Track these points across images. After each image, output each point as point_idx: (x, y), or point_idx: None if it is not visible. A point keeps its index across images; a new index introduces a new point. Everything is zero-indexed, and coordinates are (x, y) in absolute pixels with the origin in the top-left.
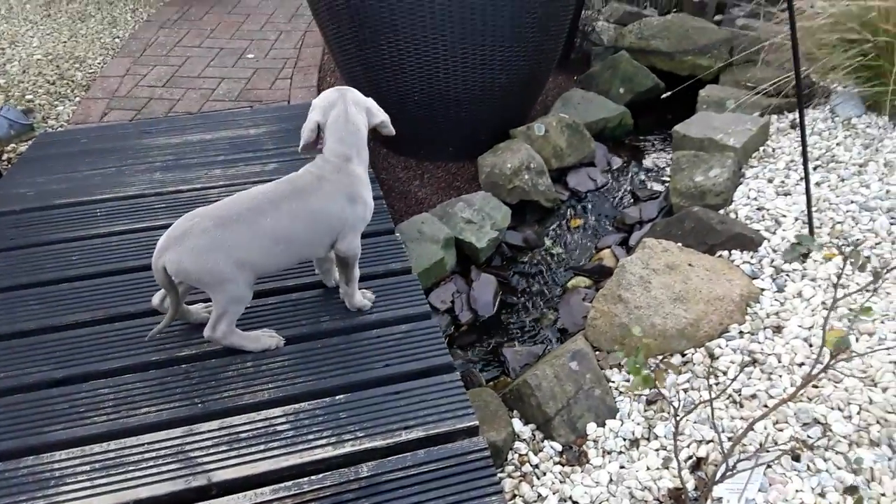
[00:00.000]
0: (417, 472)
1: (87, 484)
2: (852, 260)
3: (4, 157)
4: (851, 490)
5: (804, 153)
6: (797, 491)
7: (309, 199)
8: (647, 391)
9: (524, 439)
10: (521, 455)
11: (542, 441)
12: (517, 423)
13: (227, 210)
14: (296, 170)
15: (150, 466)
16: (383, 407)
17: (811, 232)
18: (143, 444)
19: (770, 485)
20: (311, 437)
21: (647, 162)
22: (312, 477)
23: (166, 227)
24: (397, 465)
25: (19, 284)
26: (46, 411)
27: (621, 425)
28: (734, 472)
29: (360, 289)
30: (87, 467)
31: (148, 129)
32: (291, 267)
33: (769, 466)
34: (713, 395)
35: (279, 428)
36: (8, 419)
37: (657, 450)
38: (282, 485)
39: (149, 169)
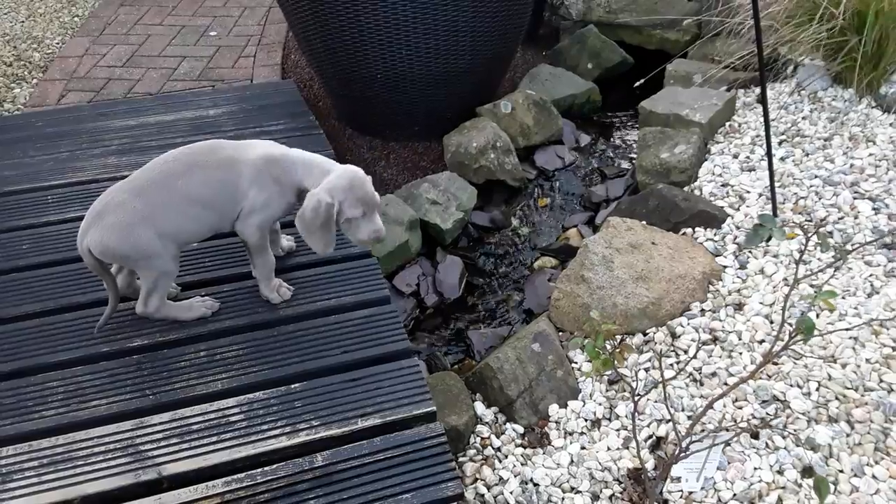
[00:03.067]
0: (373, 461)
1: (35, 480)
2: (818, 241)
3: None
4: (808, 471)
5: (767, 128)
6: (756, 469)
7: (220, 169)
8: (608, 372)
9: (486, 422)
10: (483, 438)
11: (505, 424)
12: (480, 407)
13: (140, 179)
14: None
15: (100, 461)
16: (340, 395)
17: (774, 208)
18: (92, 438)
19: (729, 463)
20: (265, 427)
21: (616, 139)
22: (266, 468)
23: None
24: (353, 454)
25: None
26: None
27: (583, 406)
28: (689, 452)
29: (297, 278)
30: (35, 463)
31: (105, 111)
32: (212, 237)
33: (728, 444)
34: (669, 375)
35: (232, 419)
36: None
37: (618, 430)
38: (234, 476)
39: (104, 153)
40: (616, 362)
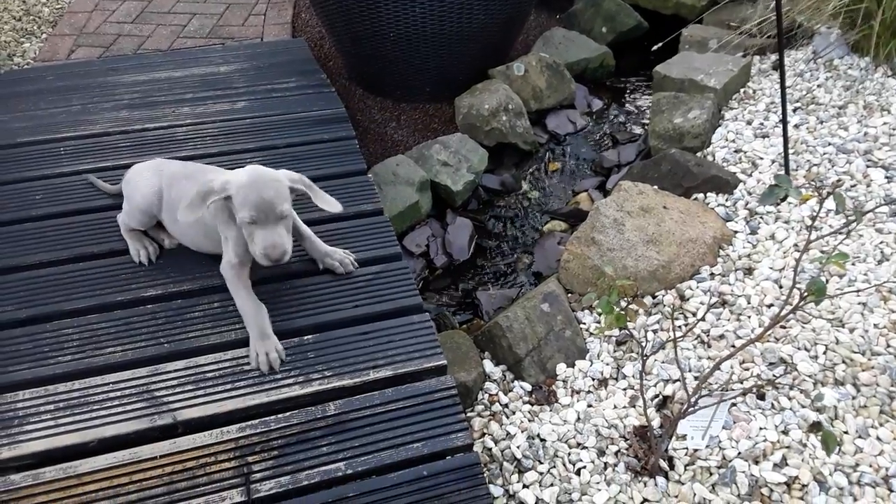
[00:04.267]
0: (384, 411)
1: (51, 423)
2: (835, 200)
3: None
4: (816, 426)
5: (783, 94)
6: (761, 428)
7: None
8: (617, 332)
9: (495, 380)
10: (491, 395)
11: (513, 381)
12: (488, 365)
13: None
14: (265, 109)
15: (115, 406)
16: (352, 347)
17: (787, 174)
18: (107, 384)
19: (734, 422)
20: (278, 376)
21: (628, 104)
22: (279, 415)
23: (131, 165)
24: (365, 404)
25: None
26: (10, 351)
27: (590, 366)
28: (697, 407)
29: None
30: (52, 406)
31: (115, 66)
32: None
33: (734, 405)
34: (679, 335)
35: (246, 368)
36: None
37: (625, 389)
38: (248, 423)
39: (115, 107)
40: (629, 319)
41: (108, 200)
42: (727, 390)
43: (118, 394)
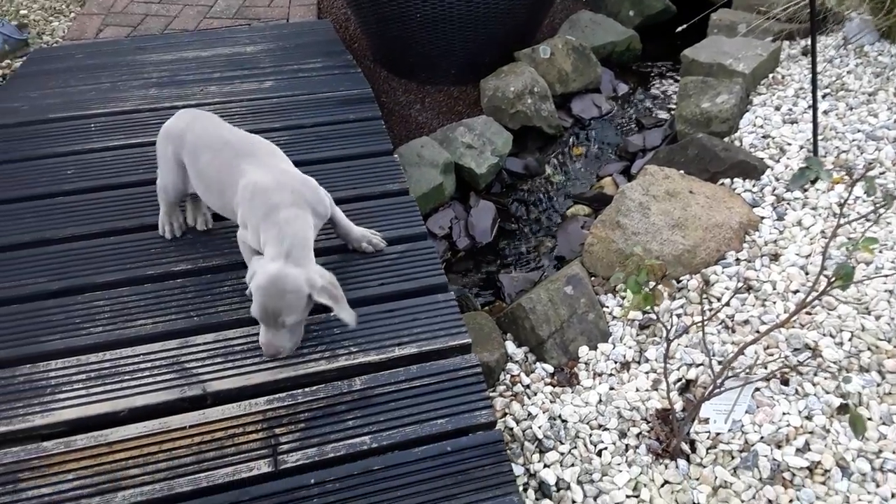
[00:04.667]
0: (409, 387)
1: (83, 392)
2: (866, 185)
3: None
4: (843, 408)
5: (814, 79)
6: (784, 414)
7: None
8: (640, 315)
9: (517, 361)
10: (513, 376)
11: (534, 363)
12: (510, 346)
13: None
14: (292, 89)
15: (146, 376)
16: (377, 324)
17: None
18: (138, 355)
19: (757, 407)
20: (305, 350)
21: (654, 89)
22: (307, 389)
23: None
24: (390, 380)
25: (13, 198)
26: (42, 322)
27: (613, 349)
28: (722, 389)
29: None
30: (83, 376)
31: (143, 45)
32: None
33: (757, 389)
34: (705, 317)
35: None
36: (4, 329)
37: (647, 372)
38: (276, 395)
39: (144, 85)
40: (656, 300)
41: (137, 176)
42: (752, 373)
43: (148, 365)
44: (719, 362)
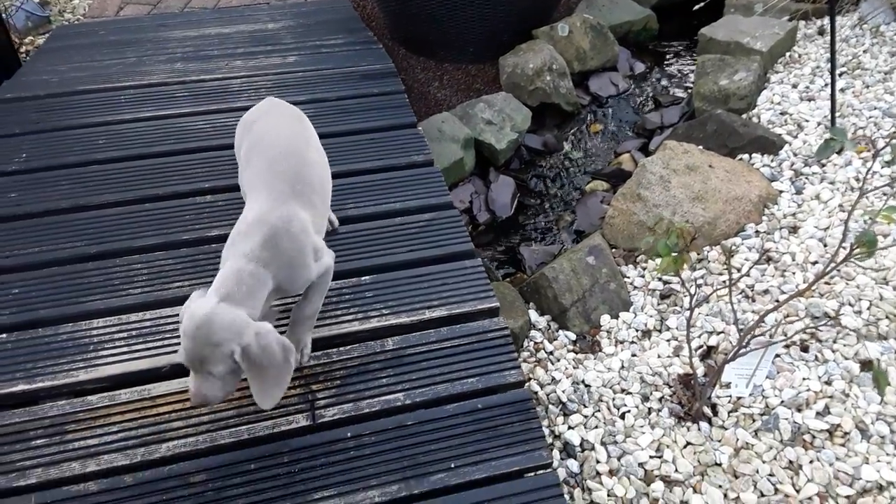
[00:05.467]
0: (440, 348)
1: (125, 349)
2: (892, 153)
3: (23, 48)
4: (867, 365)
5: (832, 54)
6: (804, 379)
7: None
8: (662, 284)
9: (540, 329)
10: (536, 343)
11: (557, 331)
12: (533, 314)
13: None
14: (315, 64)
15: None
16: (407, 288)
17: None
18: (176, 315)
19: (778, 372)
20: (338, 312)
21: (671, 68)
22: (341, 348)
23: (190, 114)
24: (421, 341)
25: (48, 166)
26: (82, 283)
27: (634, 317)
28: (745, 350)
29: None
30: (125, 334)
31: (165, 22)
32: None
33: (778, 356)
34: (724, 289)
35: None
36: (46, 289)
37: (668, 340)
38: (312, 354)
39: (169, 59)
40: (684, 264)
41: (168, 146)
42: (774, 335)
43: None
44: (740, 330)
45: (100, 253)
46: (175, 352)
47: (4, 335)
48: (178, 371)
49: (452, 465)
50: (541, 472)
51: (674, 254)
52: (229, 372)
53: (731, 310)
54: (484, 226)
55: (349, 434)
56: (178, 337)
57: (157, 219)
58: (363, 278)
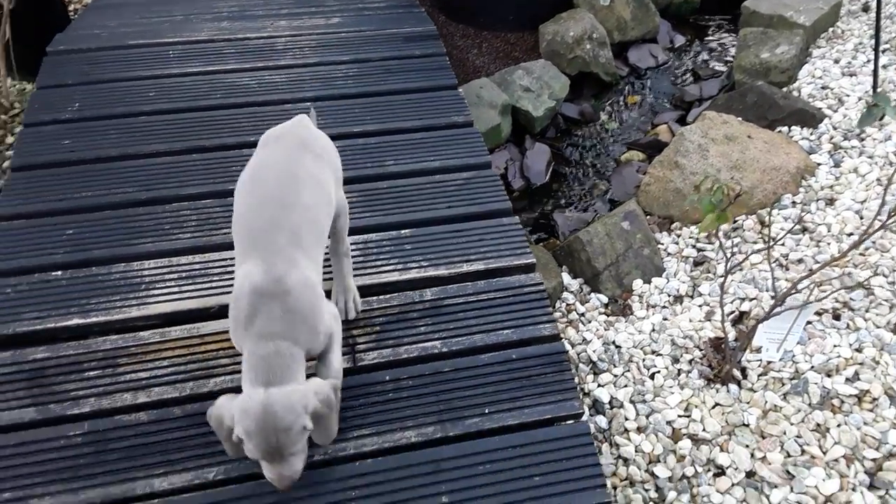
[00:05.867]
0: (477, 300)
1: (175, 289)
2: None
3: (71, 6)
4: None
5: (877, 30)
6: (835, 346)
7: None
8: (696, 251)
9: (572, 291)
10: (568, 304)
11: (589, 294)
12: (566, 277)
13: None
14: (358, 25)
15: (233, 279)
16: (446, 242)
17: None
18: (224, 260)
19: (809, 338)
20: (378, 263)
21: (711, 42)
22: (381, 296)
23: (237, 70)
24: (459, 293)
25: (99, 115)
26: (134, 227)
27: (667, 283)
28: (781, 309)
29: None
30: (175, 275)
31: None
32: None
33: (809, 323)
34: (756, 260)
35: (352, 253)
36: (99, 231)
37: (700, 306)
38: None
39: (215, 18)
40: (727, 221)
41: (215, 101)
42: (808, 298)
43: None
44: (772, 297)
45: (150, 199)
46: (223, 293)
47: (59, 272)
48: (226, 312)
49: (486, 411)
50: (572, 421)
51: (717, 210)
52: (304, 443)
53: (770, 268)
54: (518, 192)
55: (387, 377)
56: (226, 280)
57: (204, 169)
58: (403, 231)
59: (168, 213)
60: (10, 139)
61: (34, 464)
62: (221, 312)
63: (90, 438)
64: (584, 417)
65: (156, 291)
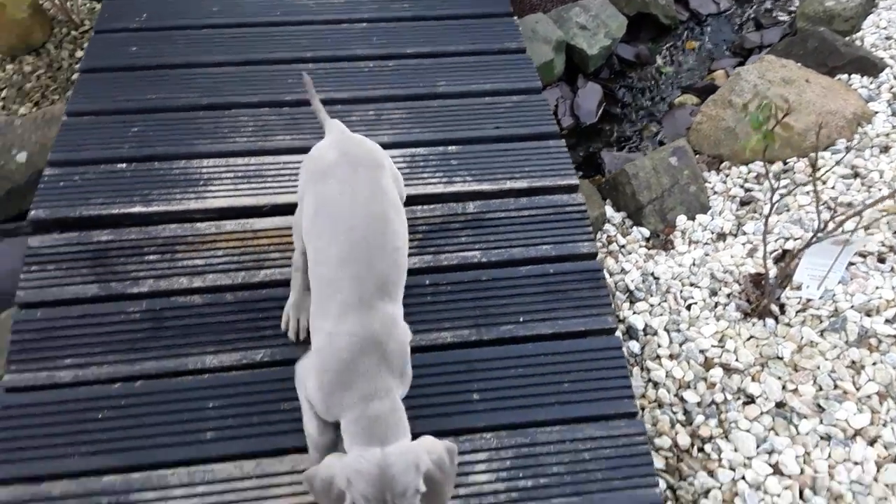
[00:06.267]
0: (518, 215)
1: (231, 187)
2: None
3: None
4: None
5: None
6: (877, 287)
7: None
8: (743, 191)
9: (614, 224)
10: (609, 236)
11: (631, 227)
12: (609, 210)
13: None
14: None
15: (286, 181)
16: (491, 160)
17: None
18: (279, 164)
19: (851, 279)
20: (425, 175)
21: None
22: (425, 206)
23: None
24: (501, 207)
25: (164, 26)
26: (194, 128)
27: (711, 220)
28: (824, 238)
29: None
30: (231, 175)
31: None
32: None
33: (852, 264)
34: (804, 202)
35: (397, 164)
36: (161, 131)
37: (743, 244)
38: None
39: None
40: (774, 141)
41: (275, 18)
42: (849, 241)
43: (288, 172)
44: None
45: (210, 104)
46: (276, 194)
47: (124, 165)
48: (278, 211)
49: (521, 319)
50: (605, 336)
51: (765, 129)
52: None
53: (815, 193)
54: (567, 131)
55: (427, 282)
56: (279, 181)
57: (262, 80)
58: (450, 147)
59: (227, 118)
60: (79, 53)
61: (94, 335)
62: (273, 211)
63: (147, 316)
64: (617, 334)
65: (213, 188)
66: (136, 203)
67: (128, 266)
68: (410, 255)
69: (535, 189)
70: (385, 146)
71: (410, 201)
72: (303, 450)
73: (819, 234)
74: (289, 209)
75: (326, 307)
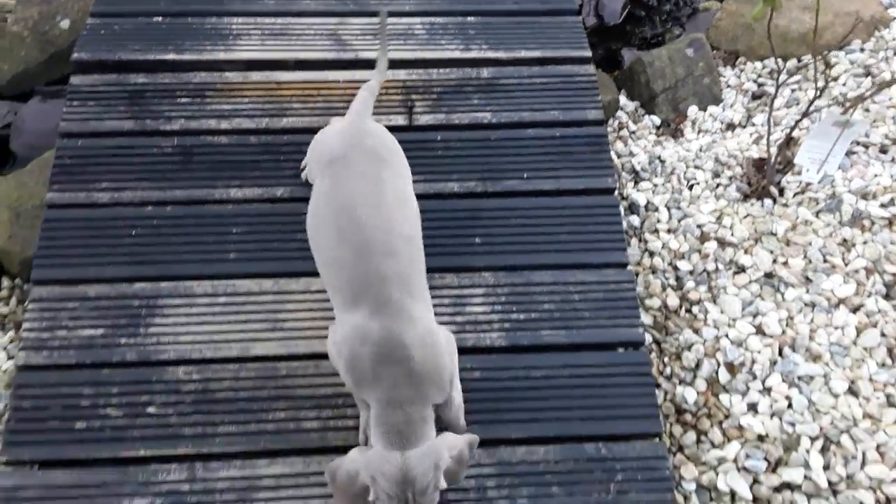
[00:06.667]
0: (530, 82)
1: (258, 43)
2: None
3: None
4: None
5: None
6: (876, 175)
7: None
8: (756, 86)
9: (627, 112)
10: (621, 122)
11: (643, 116)
12: (622, 99)
13: None
14: None
15: (310, 39)
16: (507, 31)
17: None
18: (303, 25)
19: (851, 165)
20: (442, 41)
21: None
22: (440, 69)
23: None
24: (514, 74)
25: None
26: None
27: (722, 112)
28: (822, 120)
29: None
30: (259, 31)
31: None
32: None
33: (853, 152)
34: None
35: (416, 31)
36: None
37: (751, 134)
38: (414, 70)
39: None
40: (778, 8)
41: None
42: (850, 123)
43: (312, 32)
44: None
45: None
46: (299, 51)
47: (160, 18)
48: (301, 66)
49: (525, 176)
50: (604, 196)
51: None
52: (437, 499)
53: (813, 74)
54: (589, 30)
55: (439, 137)
56: (303, 40)
57: None
58: (468, 18)
59: None
60: None
61: (129, 164)
62: (296, 66)
63: (178, 150)
64: (615, 194)
65: (241, 42)
66: (170, 51)
67: (161, 106)
68: (424, 112)
69: (548, 59)
70: (405, 14)
71: (425, 64)
72: (315, 273)
73: (812, 107)
74: (312, 65)
75: (344, 302)
